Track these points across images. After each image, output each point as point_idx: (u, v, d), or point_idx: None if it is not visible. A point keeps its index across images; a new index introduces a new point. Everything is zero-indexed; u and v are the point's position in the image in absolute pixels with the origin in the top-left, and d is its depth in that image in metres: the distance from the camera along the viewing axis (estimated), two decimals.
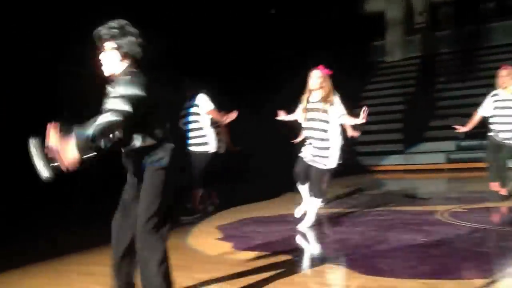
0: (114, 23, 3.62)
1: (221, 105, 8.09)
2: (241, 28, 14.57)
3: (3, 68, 9.32)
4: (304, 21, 16.38)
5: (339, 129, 6.71)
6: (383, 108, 16.62)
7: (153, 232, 3.46)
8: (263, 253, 5.66)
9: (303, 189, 6.95)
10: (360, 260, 5.28)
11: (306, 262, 5.36)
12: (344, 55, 15.89)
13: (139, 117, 3.40)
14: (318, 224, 7.00)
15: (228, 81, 13.28)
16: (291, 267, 5.06)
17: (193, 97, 8.05)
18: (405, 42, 20.07)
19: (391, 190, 10.58)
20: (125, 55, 3.63)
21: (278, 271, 4.94)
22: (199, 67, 12.13)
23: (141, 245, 3.46)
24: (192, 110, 8.02)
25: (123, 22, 3.65)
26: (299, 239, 6.38)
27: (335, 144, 6.65)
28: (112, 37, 3.60)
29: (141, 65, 3.69)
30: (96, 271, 5.19)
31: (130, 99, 3.35)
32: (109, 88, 3.58)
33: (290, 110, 7.08)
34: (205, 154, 7.96)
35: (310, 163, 6.69)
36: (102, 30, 3.61)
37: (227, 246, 6.20)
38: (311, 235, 6.66)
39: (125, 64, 3.64)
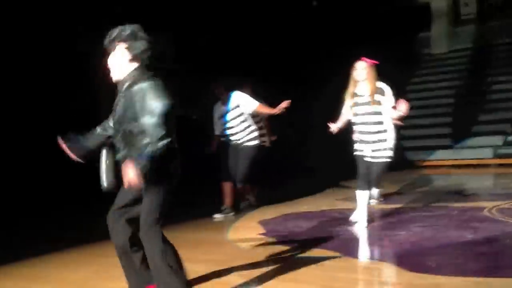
0: (126, 27, 3.69)
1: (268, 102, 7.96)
2: (284, 22, 14.48)
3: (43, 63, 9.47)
4: (348, 13, 16.20)
5: (391, 119, 6.46)
6: (430, 101, 16.31)
7: (154, 225, 3.65)
8: (306, 249, 5.58)
9: (363, 195, 6.56)
10: (407, 257, 5.17)
11: (350, 258, 5.24)
12: (389, 48, 15.64)
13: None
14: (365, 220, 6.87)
15: (272, 76, 13.23)
16: (335, 264, 4.99)
17: (227, 98, 7.81)
18: (452, 33, 19.64)
19: (438, 186, 10.37)
20: (134, 58, 3.67)
21: (322, 267, 4.88)
22: (242, 63, 12.13)
23: (145, 238, 3.65)
24: (233, 112, 7.80)
25: (135, 27, 3.72)
26: (343, 235, 6.26)
27: (391, 134, 6.45)
28: (124, 40, 3.66)
29: (150, 70, 3.72)
30: None
31: (165, 117, 3.48)
32: (125, 93, 3.64)
33: (336, 107, 6.92)
34: (252, 147, 7.85)
35: (371, 160, 6.46)
36: (114, 32, 3.69)
37: (269, 241, 6.14)
38: (355, 231, 6.55)
39: (133, 66, 3.69)
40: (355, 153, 6.58)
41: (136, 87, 3.56)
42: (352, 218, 6.74)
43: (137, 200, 3.75)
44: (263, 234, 6.57)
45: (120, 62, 3.68)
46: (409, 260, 5.10)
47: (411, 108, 6.65)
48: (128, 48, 3.66)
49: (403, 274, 4.62)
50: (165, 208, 3.70)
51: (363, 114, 6.45)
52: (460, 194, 9.02)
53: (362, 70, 6.40)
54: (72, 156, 3.88)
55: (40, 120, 9.47)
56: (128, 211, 3.80)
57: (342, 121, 6.70)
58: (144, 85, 3.55)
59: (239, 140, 7.83)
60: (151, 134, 3.43)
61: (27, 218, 8.32)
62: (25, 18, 9.65)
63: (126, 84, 3.64)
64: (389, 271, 4.77)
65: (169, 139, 3.46)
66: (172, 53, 13.84)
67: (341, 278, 4.55)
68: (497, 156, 13.86)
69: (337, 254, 5.31)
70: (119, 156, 3.70)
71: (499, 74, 16.74)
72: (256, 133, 7.90)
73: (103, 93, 4.19)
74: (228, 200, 7.91)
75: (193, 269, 4.93)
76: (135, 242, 3.79)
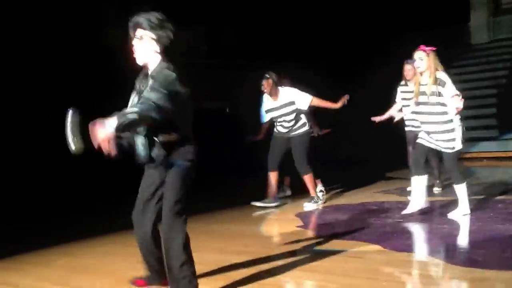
0: (153, 15, 3.69)
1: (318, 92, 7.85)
2: (329, 12, 14.40)
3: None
4: (386, 3, 16.01)
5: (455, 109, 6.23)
6: (472, 92, 15.94)
7: (179, 216, 3.68)
8: (346, 242, 5.48)
9: (419, 181, 6.44)
10: (452, 251, 5.03)
11: (393, 252, 5.09)
12: (429, 38, 15.40)
13: (174, 113, 3.56)
14: (403, 214, 6.71)
15: (320, 66, 13.15)
16: (377, 257, 4.87)
17: (277, 92, 7.64)
18: (492, 23, 19.23)
19: (483, 178, 10.09)
20: (160, 47, 3.69)
21: (364, 260, 4.78)
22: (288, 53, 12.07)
23: (168, 227, 3.67)
24: (286, 108, 7.63)
25: (161, 15, 3.72)
26: (383, 228, 6.11)
27: (457, 124, 6.29)
28: (151, 28, 3.66)
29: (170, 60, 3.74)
30: None
31: (173, 97, 3.52)
32: (145, 78, 3.72)
33: (383, 96, 6.80)
34: (304, 134, 7.72)
35: (433, 147, 6.35)
36: (141, 19, 3.67)
37: (307, 234, 6.05)
38: (396, 224, 6.40)
39: (158, 56, 3.71)
40: (418, 140, 6.45)
41: (163, 72, 3.62)
42: (409, 210, 6.56)
43: (158, 193, 3.81)
44: (301, 226, 6.47)
45: (147, 51, 3.69)
46: (455, 253, 4.96)
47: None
48: (156, 40, 3.68)
49: (449, 268, 4.48)
50: (186, 197, 3.76)
51: (426, 104, 6.26)
52: (506, 186, 8.76)
53: (420, 60, 6.22)
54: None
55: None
56: (150, 204, 3.84)
57: (391, 113, 6.61)
58: (169, 72, 3.63)
59: (289, 131, 7.73)
60: (147, 103, 3.43)
61: (60, 209, 8.42)
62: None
63: (150, 73, 3.68)
64: (434, 265, 4.62)
65: (160, 117, 3.45)
66: (205, 47, 13.88)
67: (384, 272, 4.44)
68: None
69: (379, 247, 5.17)
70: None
71: None
72: (306, 124, 7.79)
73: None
74: (270, 190, 7.82)
75: (228, 260, 4.90)
76: (156, 236, 3.84)
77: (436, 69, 6.19)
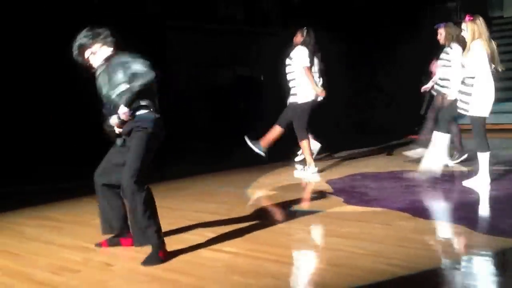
0: (85, 33, 4.36)
1: (339, 59, 7.91)
2: None
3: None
4: None
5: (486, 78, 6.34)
6: (504, 65, 15.71)
7: (138, 182, 4.06)
8: (374, 209, 5.55)
9: (441, 138, 6.74)
10: (481, 219, 5.06)
11: (422, 219, 5.14)
12: (460, 10, 15.20)
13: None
14: (435, 182, 6.75)
15: (353, 37, 13.08)
16: (406, 224, 4.92)
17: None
18: None
19: (506, 150, 10.00)
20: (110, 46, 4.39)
21: (393, 227, 4.83)
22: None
23: (129, 194, 4.07)
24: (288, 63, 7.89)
25: (89, 30, 4.38)
26: (413, 197, 6.16)
27: (480, 91, 6.33)
28: (93, 41, 4.35)
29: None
30: None
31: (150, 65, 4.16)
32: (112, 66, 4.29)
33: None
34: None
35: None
36: (82, 39, 4.35)
37: (338, 200, 6.11)
38: (424, 192, 6.44)
39: (109, 51, 4.38)
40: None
41: (113, 60, 4.28)
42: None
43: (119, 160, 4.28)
44: (330, 193, 6.53)
45: (99, 56, 4.38)
46: (482, 222, 4.99)
47: None
48: (103, 44, 4.37)
49: (476, 236, 4.52)
50: (146, 163, 4.15)
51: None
52: None
53: (465, 31, 6.44)
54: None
55: None
56: (110, 174, 4.35)
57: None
58: (125, 54, 4.29)
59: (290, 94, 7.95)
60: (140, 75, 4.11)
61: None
62: None
63: (101, 63, 4.34)
64: (461, 233, 4.65)
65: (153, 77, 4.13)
66: (241, 15, 13.84)
67: (412, 239, 4.47)
68: None
69: (407, 214, 5.23)
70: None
71: None
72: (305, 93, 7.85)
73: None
74: (266, 140, 8.00)
75: (262, 225, 5.01)
76: (110, 192, 4.42)
77: (474, 38, 6.33)
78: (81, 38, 4.34)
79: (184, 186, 7.48)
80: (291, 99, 7.90)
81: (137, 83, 4.07)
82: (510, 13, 18.77)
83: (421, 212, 5.43)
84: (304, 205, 6.13)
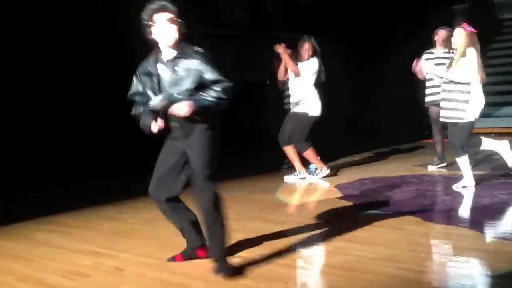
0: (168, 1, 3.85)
1: (344, 63, 7.89)
2: None
3: None
4: None
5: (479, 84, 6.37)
6: (510, 68, 15.65)
7: (214, 183, 3.87)
8: (384, 213, 5.54)
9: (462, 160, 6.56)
10: (491, 224, 5.03)
11: (431, 224, 5.13)
12: (467, 13, 15.16)
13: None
14: (441, 186, 6.74)
15: (349, 39, 13.07)
16: (415, 228, 4.91)
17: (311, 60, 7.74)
18: None
19: None
20: (181, 30, 3.85)
21: (402, 231, 4.82)
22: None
23: (204, 196, 3.84)
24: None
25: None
26: (422, 201, 6.14)
27: (471, 97, 6.32)
28: (173, 12, 3.82)
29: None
30: None
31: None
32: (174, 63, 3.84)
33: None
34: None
35: (449, 121, 6.48)
36: (167, 3, 3.83)
37: (347, 205, 6.11)
38: (435, 197, 6.43)
39: (179, 38, 3.85)
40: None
41: (190, 60, 3.81)
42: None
43: (177, 165, 3.99)
44: (340, 198, 6.52)
45: (175, 33, 3.82)
46: (493, 227, 4.96)
47: (492, 75, 6.60)
48: (176, 21, 3.82)
49: (487, 241, 4.51)
50: (216, 161, 3.92)
51: (448, 83, 6.47)
52: None
53: (458, 36, 6.41)
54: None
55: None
56: (167, 177, 4.01)
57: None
58: (198, 57, 3.82)
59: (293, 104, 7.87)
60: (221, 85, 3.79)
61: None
62: None
63: (174, 55, 3.84)
64: (472, 238, 4.62)
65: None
66: (246, 19, 13.86)
67: (422, 243, 4.47)
68: None
69: (418, 219, 5.21)
70: (173, 118, 3.86)
71: None
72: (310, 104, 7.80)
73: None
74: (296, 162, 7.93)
75: (270, 229, 5.02)
76: (175, 205, 4.09)
77: (469, 45, 6.35)
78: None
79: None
80: (298, 109, 7.77)
81: (219, 96, 3.79)
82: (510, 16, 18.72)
83: (432, 217, 5.42)
84: (314, 210, 6.12)
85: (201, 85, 3.79)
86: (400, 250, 4.26)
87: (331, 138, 7.89)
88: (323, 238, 4.76)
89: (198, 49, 3.89)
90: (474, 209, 5.79)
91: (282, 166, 8.75)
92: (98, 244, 4.88)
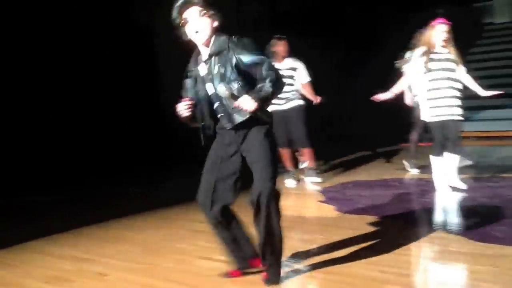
0: None
1: (319, 65, 7.94)
2: None
3: None
4: None
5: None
6: (493, 71, 15.82)
7: (275, 186, 3.57)
8: (367, 217, 5.56)
9: (440, 162, 6.56)
10: (473, 227, 5.08)
11: (414, 227, 5.19)
12: (449, 15, 15.31)
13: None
14: (425, 190, 6.79)
15: (327, 40, 13.12)
16: (399, 232, 4.94)
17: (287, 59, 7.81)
18: None
19: (503, 157, 10.09)
20: (214, 22, 3.59)
21: (383, 235, 4.85)
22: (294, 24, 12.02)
23: (266, 200, 3.52)
24: (288, 73, 7.69)
25: None
26: (405, 204, 6.19)
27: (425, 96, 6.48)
28: (203, 5, 3.55)
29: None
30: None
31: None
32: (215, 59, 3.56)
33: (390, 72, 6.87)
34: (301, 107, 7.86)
35: (448, 118, 6.37)
36: None
37: (330, 208, 6.13)
38: (417, 200, 6.48)
39: (214, 31, 3.58)
40: (428, 120, 6.51)
41: (226, 52, 3.52)
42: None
43: (228, 170, 3.70)
44: (323, 201, 6.56)
45: (209, 26, 3.55)
46: (475, 230, 5.01)
47: (473, 78, 6.64)
48: (206, 13, 3.55)
49: (469, 244, 4.54)
50: (277, 162, 3.68)
51: (445, 70, 6.40)
52: None
53: (444, 32, 6.37)
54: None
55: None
56: (218, 184, 3.70)
57: (396, 90, 6.68)
58: (233, 46, 3.53)
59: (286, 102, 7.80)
60: (270, 77, 3.43)
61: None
62: None
63: (211, 52, 3.56)
64: (454, 240, 4.67)
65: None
66: (232, 22, 13.88)
67: (404, 246, 4.50)
68: None
69: (399, 222, 5.27)
70: (224, 118, 3.62)
71: None
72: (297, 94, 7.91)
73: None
74: (289, 164, 7.95)
75: (252, 232, 5.02)
76: (228, 217, 3.79)
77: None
78: None
79: (180, 195, 7.51)
80: (294, 103, 7.79)
81: (271, 86, 3.41)
82: (500, 19, 18.92)
83: (414, 220, 5.47)
84: (296, 213, 6.14)
85: (247, 74, 3.50)
86: (382, 253, 4.28)
87: (311, 142, 7.88)
88: (305, 241, 4.78)
89: (232, 37, 3.56)
90: (456, 212, 5.85)
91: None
92: (81, 250, 4.87)
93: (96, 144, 9.92)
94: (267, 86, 3.38)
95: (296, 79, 7.83)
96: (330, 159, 10.08)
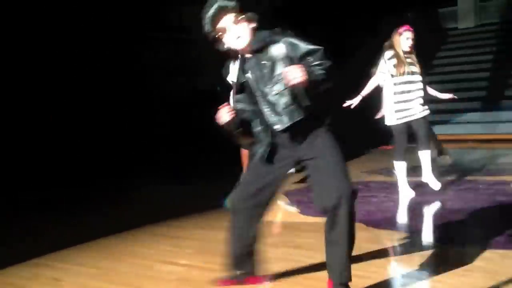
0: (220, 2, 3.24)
1: None
2: None
3: None
4: None
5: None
6: (457, 76, 16.07)
7: (350, 181, 3.33)
8: None
9: (403, 167, 6.63)
10: (434, 229, 5.12)
11: (376, 230, 5.18)
12: (414, 21, 15.50)
13: None
14: (387, 192, 6.81)
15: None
16: (360, 234, 4.85)
17: None
18: (479, 8, 19.31)
19: (465, 160, 10.23)
20: (253, 21, 3.33)
21: None
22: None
23: (345, 203, 3.24)
24: None
25: None
26: (368, 207, 6.20)
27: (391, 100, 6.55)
28: (236, 8, 3.27)
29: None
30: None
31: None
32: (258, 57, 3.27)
33: (362, 76, 6.87)
34: None
35: (414, 118, 6.44)
36: (224, 3, 3.24)
37: (292, 212, 6.11)
38: (381, 203, 6.49)
39: (250, 29, 3.30)
40: (394, 123, 6.52)
41: (271, 47, 3.24)
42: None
43: (275, 178, 3.49)
44: (287, 204, 6.53)
45: (246, 32, 3.27)
46: (436, 232, 5.04)
47: (438, 82, 6.73)
48: (242, 18, 3.27)
49: (429, 246, 4.57)
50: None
51: (413, 74, 6.48)
52: (487, 168, 8.89)
53: (411, 39, 6.47)
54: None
55: None
56: (260, 192, 3.46)
57: (365, 93, 6.74)
58: (279, 38, 3.25)
59: None
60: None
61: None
62: None
63: (252, 52, 3.28)
64: (415, 243, 4.70)
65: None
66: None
67: (366, 248, 4.49)
68: None
69: (362, 225, 5.25)
70: (274, 119, 3.27)
71: None
72: None
73: None
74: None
75: (217, 236, 4.96)
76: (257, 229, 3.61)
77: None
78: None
79: (146, 196, 7.46)
80: None
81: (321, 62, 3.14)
82: (464, 24, 19.22)
83: (377, 222, 5.46)
84: None
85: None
86: None
87: None
88: (268, 244, 4.72)
89: (274, 30, 3.30)
90: (419, 215, 5.87)
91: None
92: (38, 254, 4.75)
93: (101, 141, 9.89)
94: (319, 70, 3.11)
95: None
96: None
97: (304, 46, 3.20)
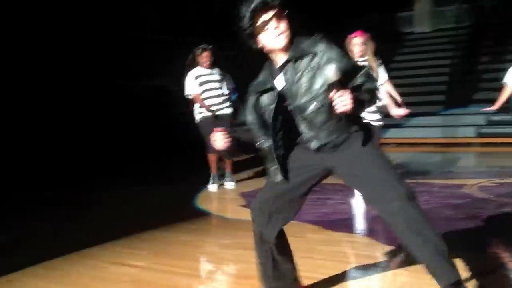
0: None
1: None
2: None
3: None
4: None
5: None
6: (412, 80, 16.30)
7: (403, 183, 3.05)
8: None
9: None
10: (387, 231, 5.16)
11: (331, 232, 5.23)
12: (371, 25, 15.71)
13: None
14: (342, 194, 6.89)
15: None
16: (316, 236, 5.00)
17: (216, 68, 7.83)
18: (435, 12, 19.64)
19: (419, 163, 10.40)
20: (294, 21, 3.05)
21: (303, 239, 4.87)
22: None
23: (405, 203, 2.97)
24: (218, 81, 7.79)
25: None
26: (322, 209, 6.27)
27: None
28: (279, 3, 2.99)
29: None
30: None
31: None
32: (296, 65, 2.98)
33: None
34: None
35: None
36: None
37: (249, 213, 6.10)
38: (336, 205, 6.56)
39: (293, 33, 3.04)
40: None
41: (311, 54, 2.96)
42: None
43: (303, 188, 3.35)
44: (243, 205, 6.55)
45: (281, 34, 2.96)
46: (389, 234, 5.09)
47: (395, 86, 6.80)
48: (285, 15, 3.00)
49: (382, 248, 4.62)
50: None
51: None
52: (441, 171, 9.05)
53: (360, 45, 6.20)
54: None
55: None
56: (285, 203, 3.33)
57: None
58: (322, 46, 2.98)
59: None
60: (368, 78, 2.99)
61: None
62: None
63: (289, 57, 2.99)
64: (369, 245, 4.75)
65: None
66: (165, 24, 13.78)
67: (320, 250, 4.55)
68: (479, 135, 13.90)
69: (317, 227, 5.31)
70: (308, 134, 3.04)
71: (483, 54, 16.79)
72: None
73: None
74: (214, 168, 7.93)
75: (179, 237, 4.97)
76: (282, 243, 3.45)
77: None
78: None
79: (104, 199, 7.41)
80: (227, 111, 7.81)
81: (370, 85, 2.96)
82: (420, 29, 19.52)
83: (332, 225, 5.52)
84: (215, 219, 6.11)
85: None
86: (298, 258, 4.25)
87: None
88: (223, 246, 4.75)
89: (320, 37, 3.03)
90: (374, 218, 5.92)
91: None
92: None
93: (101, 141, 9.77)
94: (366, 94, 2.92)
95: (224, 87, 7.83)
96: (254, 165, 10.07)
97: (348, 62, 2.99)
